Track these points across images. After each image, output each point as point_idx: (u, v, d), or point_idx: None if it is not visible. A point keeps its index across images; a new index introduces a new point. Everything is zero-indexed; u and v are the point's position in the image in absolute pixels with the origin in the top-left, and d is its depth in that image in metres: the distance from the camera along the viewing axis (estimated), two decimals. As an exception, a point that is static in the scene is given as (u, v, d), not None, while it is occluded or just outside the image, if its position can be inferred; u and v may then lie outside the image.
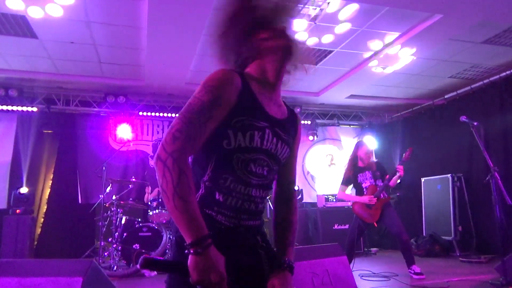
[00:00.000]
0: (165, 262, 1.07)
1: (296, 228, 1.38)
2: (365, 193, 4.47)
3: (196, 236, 1.00)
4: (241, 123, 1.15)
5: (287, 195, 1.41)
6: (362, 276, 4.32)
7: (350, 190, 4.81)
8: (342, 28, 4.64)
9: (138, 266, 1.02)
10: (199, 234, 1.01)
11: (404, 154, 4.54)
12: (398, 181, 4.49)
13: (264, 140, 1.19)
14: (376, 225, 4.45)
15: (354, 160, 4.67)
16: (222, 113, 1.14)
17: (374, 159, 4.69)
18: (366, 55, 5.46)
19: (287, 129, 1.30)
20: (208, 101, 1.12)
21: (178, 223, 1.04)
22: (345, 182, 4.66)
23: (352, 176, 4.61)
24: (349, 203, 6.64)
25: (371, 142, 7.41)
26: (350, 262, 4.48)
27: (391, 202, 4.55)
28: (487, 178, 3.48)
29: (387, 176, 4.42)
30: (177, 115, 1.17)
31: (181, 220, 1.03)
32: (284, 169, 1.39)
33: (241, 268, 1.18)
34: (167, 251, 4.91)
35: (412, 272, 4.10)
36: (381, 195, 4.37)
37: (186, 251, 1.01)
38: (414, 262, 4.17)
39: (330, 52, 5.32)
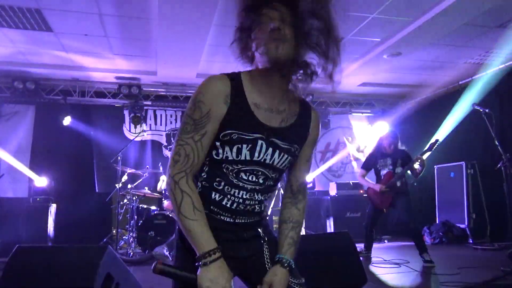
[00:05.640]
0: (176, 271, 1.14)
1: (301, 227, 1.37)
2: (382, 179, 4.58)
3: (203, 251, 1.09)
4: (229, 137, 1.15)
5: (297, 198, 1.37)
6: (372, 263, 4.36)
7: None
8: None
9: (152, 270, 1.11)
10: (206, 248, 1.09)
11: (429, 145, 4.34)
12: (417, 167, 4.28)
13: (255, 152, 1.17)
14: (385, 211, 4.59)
15: (379, 147, 4.73)
16: (215, 126, 1.15)
17: (401, 147, 4.62)
18: (378, 42, 5.40)
19: (289, 136, 1.23)
20: (198, 119, 1.14)
21: (187, 238, 1.12)
22: (365, 166, 4.83)
23: (373, 162, 4.72)
24: (361, 191, 6.69)
25: (385, 129, 7.38)
26: (369, 248, 4.76)
27: (408, 190, 4.54)
28: (499, 165, 3.45)
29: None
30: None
31: (188, 237, 1.12)
32: (293, 172, 1.35)
33: (241, 259, 1.25)
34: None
35: (423, 260, 4.13)
36: (396, 184, 4.41)
37: (195, 263, 1.10)
38: (425, 250, 4.19)
39: (341, 39, 5.27)
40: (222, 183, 1.20)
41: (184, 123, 1.16)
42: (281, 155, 1.22)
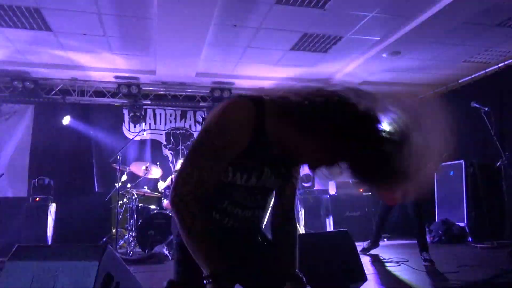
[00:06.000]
0: None
1: (297, 242, 1.40)
2: None
3: (211, 271, 1.08)
4: (243, 166, 1.17)
5: (288, 216, 1.41)
6: (372, 261, 4.37)
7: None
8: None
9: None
10: (213, 269, 1.09)
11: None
12: None
13: (261, 179, 1.21)
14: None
15: None
16: (233, 155, 1.14)
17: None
18: (377, 41, 5.40)
19: (289, 163, 1.27)
20: (221, 146, 1.11)
21: (195, 258, 1.12)
22: None
23: None
24: (361, 190, 6.69)
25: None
26: (376, 242, 4.82)
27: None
28: (498, 163, 3.46)
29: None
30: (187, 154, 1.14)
31: (197, 257, 1.11)
32: (286, 189, 1.38)
33: (241, 266, 1.28)
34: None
35: (422, 258, 4.14)
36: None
37: (204, 281, 1.10)
38: (426, 249, 4.19)
39: (340, 38, 5.27)
40: (226, 202, 1.23)
41: (205, 146, 1.12)
42: (279, 180, 1.28)
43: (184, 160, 1.15)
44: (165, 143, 7.31)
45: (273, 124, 1.13)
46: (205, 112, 7.42)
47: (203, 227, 1.11)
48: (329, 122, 0.99)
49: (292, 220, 1.42)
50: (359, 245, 4.54)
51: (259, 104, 1.13)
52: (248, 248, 1.31)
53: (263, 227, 1.42)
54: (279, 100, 1.12)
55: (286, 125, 1.10)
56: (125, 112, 7.12)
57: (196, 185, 1.11)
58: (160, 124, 7.35)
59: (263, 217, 1.37)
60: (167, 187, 5.83)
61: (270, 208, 1.41)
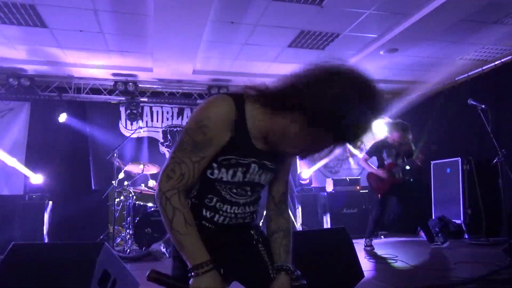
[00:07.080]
0: (169, 281, 1.16)
1: (291, 235, 1.38)
2: (385, 166, 5.03)
3: (196, 262, 1.10)
4: (227, 162, 1.18)
5: (280, 208, 1.40)
6: (369, 258, 4.38)
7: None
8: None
9: (146, 278, 1.13)
10: (198, 260, 1.10)
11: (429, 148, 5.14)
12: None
13: (247, 174, 1.21)
14: (380, 196, 5.08)
15: (386, 138, 5.10)
16: (214, 152, 1.16)
17: (408, 142, 5.05)
18: (374, 38, 5.40)
19: (275, 157, 1.27)
20: (200, 142, 1.13)
21: (180, 252, 1.14)
22: (369, 153, 5.17)
23: (379, 150, 5.09)
24: (358, 187, 6.71)
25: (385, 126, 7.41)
26: (375, 234, 5.21)
27: (406, 185, 5.08)
28: (495, 160, 3.47)
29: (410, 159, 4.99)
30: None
31: (181, 251, 1.13)
32: (274, 185, 1.38)
33: (238, 263, 1.27)
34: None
35: (440, 243, 4.66)
36: (396, 175, 4.96)
37: (188, 274, 1.11)
38: (434, 237, 4.76)
39: (338, 35, 5.27)
40: (214, 200, 1.23)
41: (184, 141, 1.14)
42: (267, 174, 1.28)
43: (169, 157, 1.17)
44: (162, 140, 7.30)
45: (253, 116, 1.16)
46: (202, 109, 7.40)
47: (186, 221, 1.12)
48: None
49: (284, 213, 1.39)
50: (357, 242, 4.56)
51: (238, 99, 1.16)
52: (241, 245, 1.30)
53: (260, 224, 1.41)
54: (257, 93, 1.15)
55: (264, 114, 1.14)
56: (122, 109, 7.09)
57: (178, 180, 1.13)
58: (157, 121, 7.33)
59: (256, 211, 1.35)
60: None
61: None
